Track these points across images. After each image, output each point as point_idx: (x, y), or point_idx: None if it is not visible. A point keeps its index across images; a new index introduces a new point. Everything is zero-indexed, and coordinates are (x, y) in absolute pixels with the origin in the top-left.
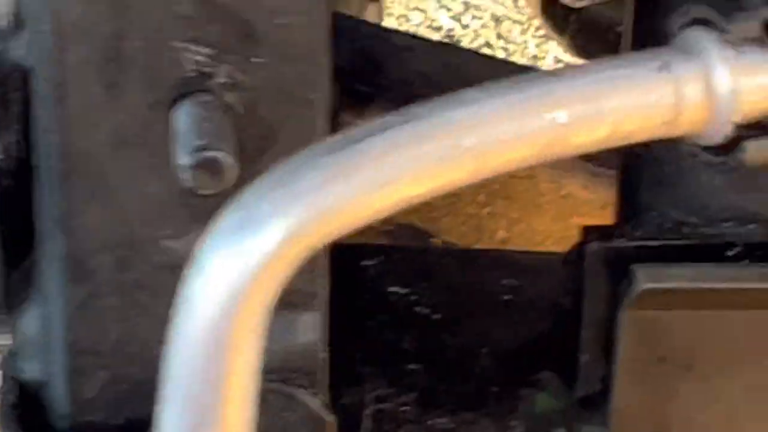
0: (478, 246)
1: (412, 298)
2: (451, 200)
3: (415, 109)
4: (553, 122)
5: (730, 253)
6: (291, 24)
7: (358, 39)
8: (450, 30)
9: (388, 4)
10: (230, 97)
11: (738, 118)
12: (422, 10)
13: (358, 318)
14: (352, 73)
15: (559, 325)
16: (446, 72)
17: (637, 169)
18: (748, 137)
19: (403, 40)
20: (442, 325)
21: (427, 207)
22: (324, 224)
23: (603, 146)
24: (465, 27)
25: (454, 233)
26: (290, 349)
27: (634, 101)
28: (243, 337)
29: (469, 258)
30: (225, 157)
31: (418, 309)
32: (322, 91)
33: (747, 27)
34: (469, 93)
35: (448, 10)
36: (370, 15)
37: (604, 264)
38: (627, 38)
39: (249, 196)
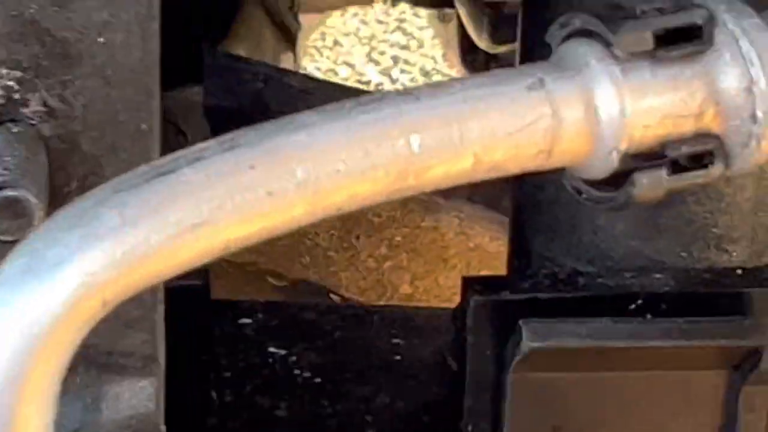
0: (380, 302)
1: (291, 359)
2: (351, 253)
3: (240, 133)
4: (405, 150)
5: (631, 306)
6: (115, 42)
7: (252, 80)
8: (379, 84)
9: (316, 58)
10: (46, 128)
11: (626, 146)
12: (350, 65)
13: (232, 382)
14: (245, 114)
15: (448, 389)
16: None
17: (529, 212)
18: (639, 169)
19: (301, 82)
20: (322, 389)
21: (324, 260)
22: (126, 273)
23: (467, 179)
24: (394, 81)
25: (353, 288)
26: (124, 421)
27: (502, 125)
28: (29, 412)
29: (356, 315)
30: (28, 198)
31: (297, 372)
32: (153, 120)
33: (636, 39)
34: (306, 116)
35: (377, 64)
36: (285, 61)
37: (489, 320)
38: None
39: (36, 239)
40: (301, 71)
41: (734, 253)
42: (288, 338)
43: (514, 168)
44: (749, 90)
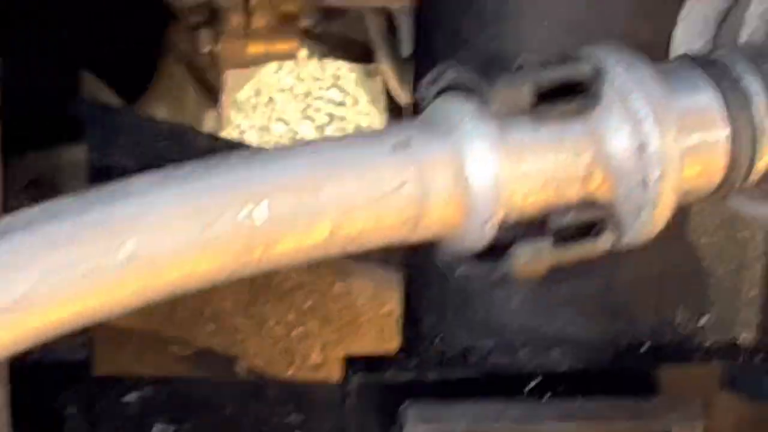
0: (289, 371)
1: None
2: (258, 319)
3: (62, 201)
4: (250, 220)
5: (528, 386)
6: None
7: (154, 139)
8: None
9: (250, 115)
10: None
11: (503, 215)
12: (285, 122)
13: None
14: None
15: None
16: None
17: (419, 283)
18: (519, 240)
19: (205, 142)
20: None
21: (230, 327)
22: None
23: (325, 252)
24: None
25: (261, 357)
26: None
27: (361, 192)
28: None
29: (252, 389)
30: None
31: None
32: None
33: (514, 94)
34: (138, 181)
35: (312, 120)
36: (208, 122)
37: (371, 402)
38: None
39: None
40: (234, 128)
41: (639, 328)
42: (177, 415)
43: (377, 240)
44: (640, 152)
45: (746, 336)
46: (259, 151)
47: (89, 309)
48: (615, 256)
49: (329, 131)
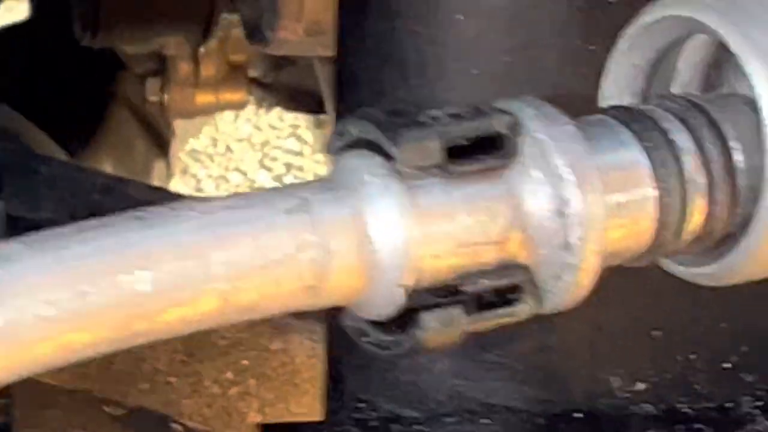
0: None
1: None
2: (194, 378)
3: None
4: (131, 289)
5: None
6: None
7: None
8: None
9: (207, 165)
10: None
11: (413, 280)
12: (242, 171)
13: None
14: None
15: None
16: None
17: (344, 345)
18: (428, 307)
19: (143, 193)
20: None
21: (165, 386)
22: None
23: (216, 322)
24: None
25: (197, 417)
26: None
27: (255, 257)
28: None
29: None
30: None
31: None
32: None
33: (423, 150)
34: (8, 245)
35: (269, 170)
36: (156, 172)
37: None
38: None
39: None
40: (190, 177)
41: (573, 394)
42: None
43: (275, 308)
44: (560, 212)
45: (685, 402)
46: (144, 212)
47: None
48: (546, 319)
49: (287, 180)
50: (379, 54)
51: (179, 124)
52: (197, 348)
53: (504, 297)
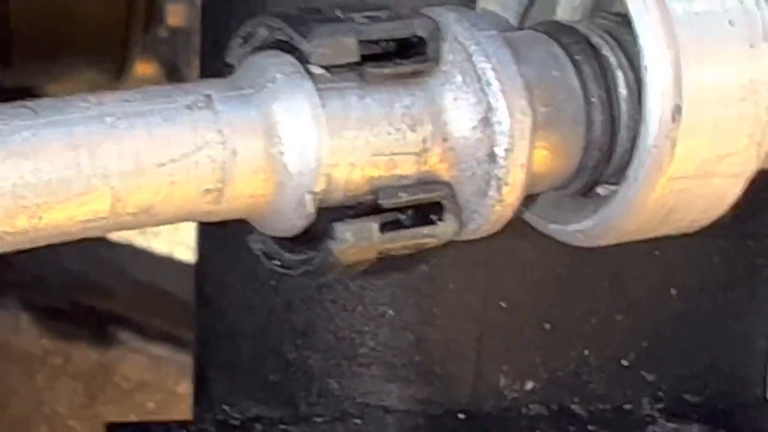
0: None
1: None
2: (95, 422)
3: None
4: (13, 183)
5: None
6: None
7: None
8: None
9: (152, 244)
10: None
11: (323, 188)
12: (189, 246)
13: None
14: None
15: None
16: None
17: (209, 343)
18: (341, 219)
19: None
20: None
21: (64, 430)
22: None
23: (109, 226)
24: None
25: None
26: None
27: (151, 154)
28: None
29: None
30: None
31: None
32: None
33: (337, 48)
34: None
35: None
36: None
37: None
38: None
39: None
40: None
41: (455, 393)
42: None
43: (174, 213)
44: (486, 121)
45: (576, 403)
46: (30, 102)
47: None
48: (426, 309)
49: None
50: None
51: None
52: (99, 390)
53: (426, 219)
